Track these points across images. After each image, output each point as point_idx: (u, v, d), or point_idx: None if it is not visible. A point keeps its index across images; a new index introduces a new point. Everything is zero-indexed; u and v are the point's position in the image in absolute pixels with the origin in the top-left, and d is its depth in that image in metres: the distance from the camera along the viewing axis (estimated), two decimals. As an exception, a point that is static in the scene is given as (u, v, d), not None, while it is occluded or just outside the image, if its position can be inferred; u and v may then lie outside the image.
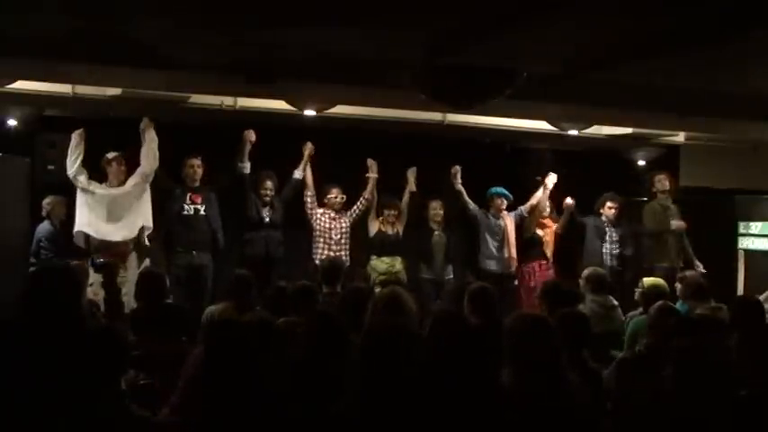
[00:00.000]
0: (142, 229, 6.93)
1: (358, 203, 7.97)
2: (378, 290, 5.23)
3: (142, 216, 6.95)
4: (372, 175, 7.92)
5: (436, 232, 8.16)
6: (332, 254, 7.58)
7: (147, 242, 6.97)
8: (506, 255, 8.26)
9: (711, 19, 4.65)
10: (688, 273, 6.46)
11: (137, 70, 5.97)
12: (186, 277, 7.10)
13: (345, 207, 7.95)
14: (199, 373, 3.40)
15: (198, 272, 7.18)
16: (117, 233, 6.81)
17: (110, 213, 6.83)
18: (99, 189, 6.89)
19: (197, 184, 7.39)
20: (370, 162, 7.94)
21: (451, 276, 8.14)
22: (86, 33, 5.29)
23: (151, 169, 7.00)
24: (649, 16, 4.66)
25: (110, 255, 6.64)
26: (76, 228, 6.81)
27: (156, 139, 6.99)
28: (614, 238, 8.37)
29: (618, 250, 8.34)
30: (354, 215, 7.95)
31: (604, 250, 8.32)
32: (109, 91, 6.89)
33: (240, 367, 3.15)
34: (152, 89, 6.78)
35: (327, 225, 7.79)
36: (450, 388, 3.27)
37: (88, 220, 6.79)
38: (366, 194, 7.92)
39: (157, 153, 6.99)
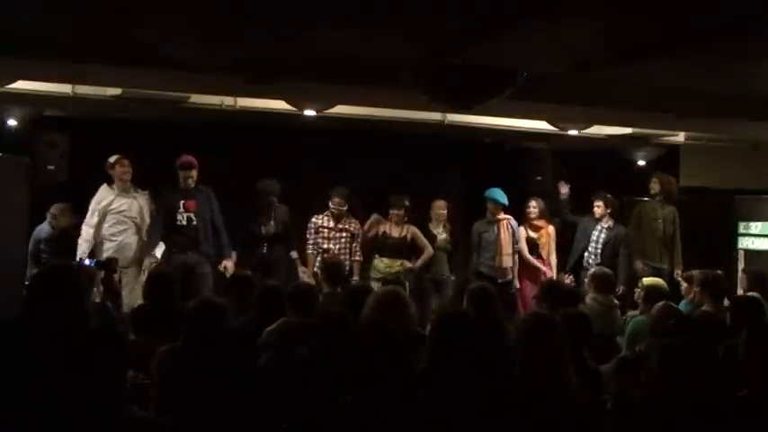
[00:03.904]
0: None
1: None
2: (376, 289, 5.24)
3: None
4: None
5: (440, 234, 8.14)
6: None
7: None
8: (496, 264, 8.18)
9: (710, 20, 4.66)
10: (695, 273, 6.46)
11: (137, 70, 5.96)
12: (182, 276, 7.07)
13: (346, 213, 7.88)
14: (180, 368, 3.39)
15: (194, 270, 7.16)
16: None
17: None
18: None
19: (191, 187, 7.30)
20: None
21: (452, 276, 8.13)
22: (87, 33, 5.30)
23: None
24: (649, 17, 4.67)
25: None
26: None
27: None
28: (601, 237, 8.29)
29: (600, 248, 8.24)
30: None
31: (590, 249, 8.28)
32: (109, 91, 6.89)
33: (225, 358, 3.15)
34: (152, 89, 6.78)
35: (326, 235, 7.74)
36: (450, 386, 3.28)
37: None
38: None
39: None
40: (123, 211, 7.18)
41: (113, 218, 7.16)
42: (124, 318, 5.91)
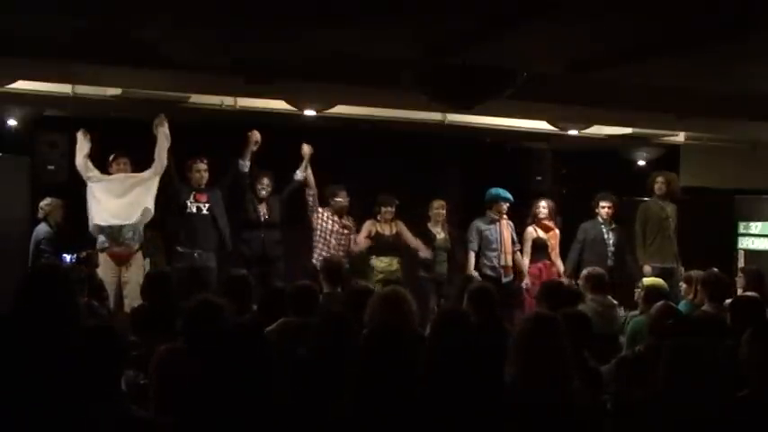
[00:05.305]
0: (145, 211, 6.95)
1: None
2: (377, 289, 5.24)
3: (148, 200, 6.97)
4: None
5: (439, 234, 8.13)
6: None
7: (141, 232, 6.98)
8: (501, 263, 8.15)
9: (710, 20, 4.66)
10: (694, 273, 6.45)
11: (137, 70, 5.96)
12: (188, 278, 7.07)
13: (349, 210, 7.91)
14: (180, 368, 3.39)
15: (200, 273, 7.15)
16: (125, 212, 6.88)
17: (122, 193, 6.90)
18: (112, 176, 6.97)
19: (202, 186, 7.35)
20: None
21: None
22: (86, 33, 5.30)
23: (162, 168, 7.02)
24: (649, 17, 4.67)
25: (116, 256, 6.75)
26: (93, 221, 6.83)
27: (169, 137, 7.00)
28: (611, 239, 8.31)
29: (614, 249, 8.27)
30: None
31: (606, 253, 8.27)
32: (109, 91, 6.90)
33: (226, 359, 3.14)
34: (152, 89, 6.78)
35: (329, 227, 7.77)
36: (450, 386, 3.27)
37: (101, 206, 6.85)
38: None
39: (165, 153, 7.02)
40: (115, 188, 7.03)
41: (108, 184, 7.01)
42: (111, 313, 5.90)
